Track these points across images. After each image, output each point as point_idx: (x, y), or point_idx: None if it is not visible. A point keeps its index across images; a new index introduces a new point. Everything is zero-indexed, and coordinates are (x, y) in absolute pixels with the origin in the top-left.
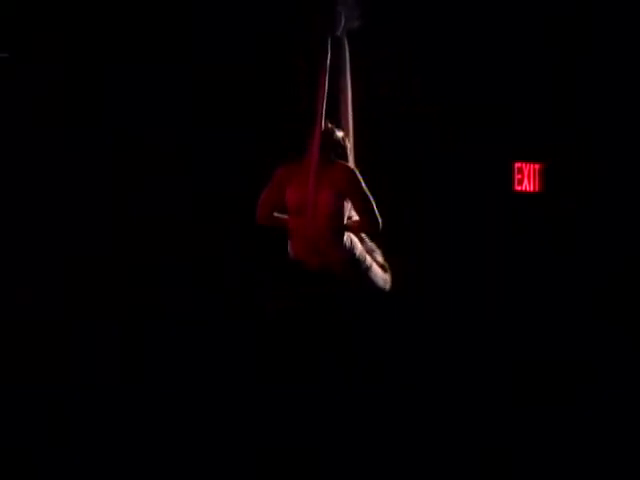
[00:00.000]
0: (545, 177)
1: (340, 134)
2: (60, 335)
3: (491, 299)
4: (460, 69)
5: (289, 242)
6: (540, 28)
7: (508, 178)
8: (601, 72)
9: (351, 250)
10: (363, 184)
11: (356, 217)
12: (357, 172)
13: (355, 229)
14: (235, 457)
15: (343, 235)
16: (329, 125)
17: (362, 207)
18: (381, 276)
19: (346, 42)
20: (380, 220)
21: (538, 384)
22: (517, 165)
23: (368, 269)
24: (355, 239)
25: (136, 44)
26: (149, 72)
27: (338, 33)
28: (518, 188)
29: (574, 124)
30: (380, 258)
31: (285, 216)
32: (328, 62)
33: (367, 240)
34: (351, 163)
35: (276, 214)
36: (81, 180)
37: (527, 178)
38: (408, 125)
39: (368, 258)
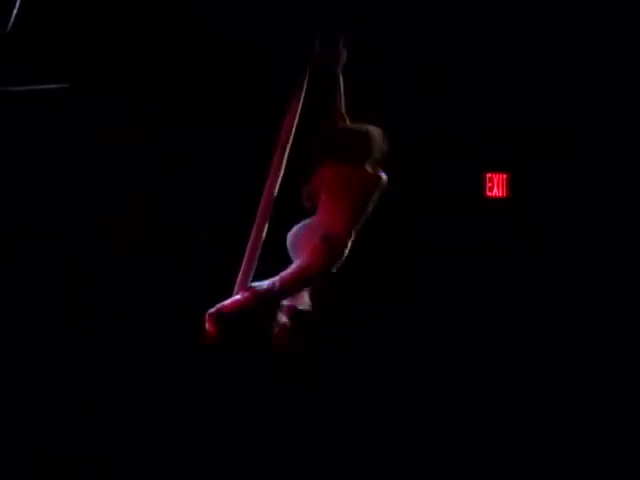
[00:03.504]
0: (512, 184)
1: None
2: (60, 335)
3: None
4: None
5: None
6: (540, 28)
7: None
8: (601, 72)
9: None
10: None
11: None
12: None
13: None
14: (235, 457)
15: None
16: None
17: None
18: None
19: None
20: None
21: (538, 384)
22: (488, 175)
23: None
24: None
25: (136, 44)
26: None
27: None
28: (489, 194)
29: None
30: None
31: None
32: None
33: None
34: None
35: None
36: (81, 180)
37: (496, 186)
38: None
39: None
